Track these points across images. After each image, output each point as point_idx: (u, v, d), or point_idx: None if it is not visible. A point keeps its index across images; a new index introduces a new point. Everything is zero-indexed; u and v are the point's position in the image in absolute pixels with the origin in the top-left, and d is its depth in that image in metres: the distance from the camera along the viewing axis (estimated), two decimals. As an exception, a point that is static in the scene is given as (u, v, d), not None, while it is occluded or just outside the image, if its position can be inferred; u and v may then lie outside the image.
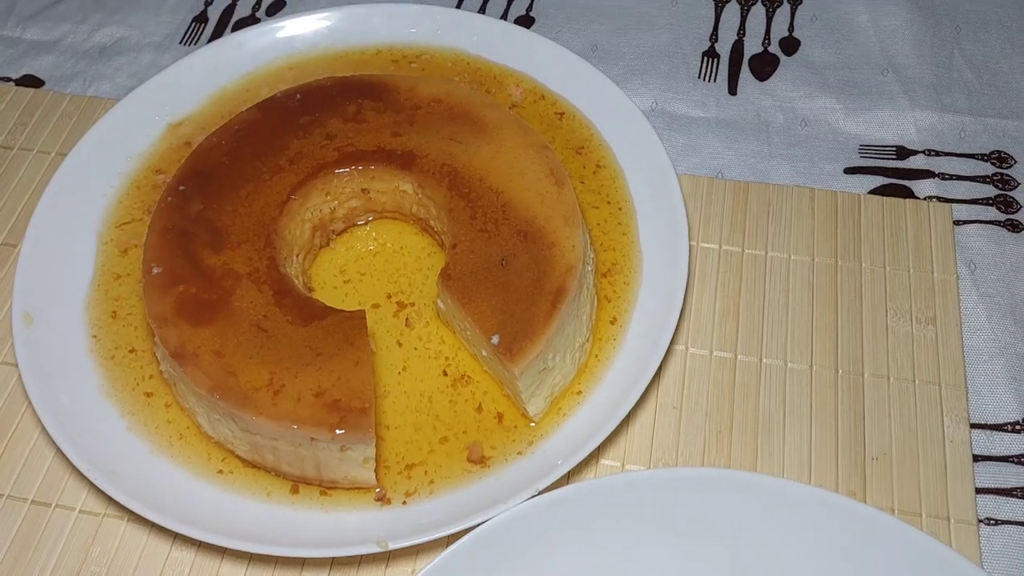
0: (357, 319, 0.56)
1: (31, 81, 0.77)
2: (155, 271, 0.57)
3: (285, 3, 0.83)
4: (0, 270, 0.67)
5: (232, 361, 0.54)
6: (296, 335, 0.55)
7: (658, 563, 0.53)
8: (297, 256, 0.63)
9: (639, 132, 0.69)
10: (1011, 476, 0.57)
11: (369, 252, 0.66)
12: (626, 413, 0.56)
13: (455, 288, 0.58)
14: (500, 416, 0.58)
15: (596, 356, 0.60)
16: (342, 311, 0.57)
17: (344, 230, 0.67)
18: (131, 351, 0.60)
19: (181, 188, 0.61)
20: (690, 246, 0.67)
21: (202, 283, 0.57)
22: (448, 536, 0.52)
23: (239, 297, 0.57)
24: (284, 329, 0.56)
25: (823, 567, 0.52)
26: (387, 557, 0.55)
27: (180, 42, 0.80)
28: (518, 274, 0.58)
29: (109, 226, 0.66)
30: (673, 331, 0.59)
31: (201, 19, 0.82)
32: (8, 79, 0.78)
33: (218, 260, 0.58)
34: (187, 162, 0.63)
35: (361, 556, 0.54)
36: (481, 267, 0.59)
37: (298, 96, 0.66)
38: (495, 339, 0.56)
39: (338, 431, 0.52)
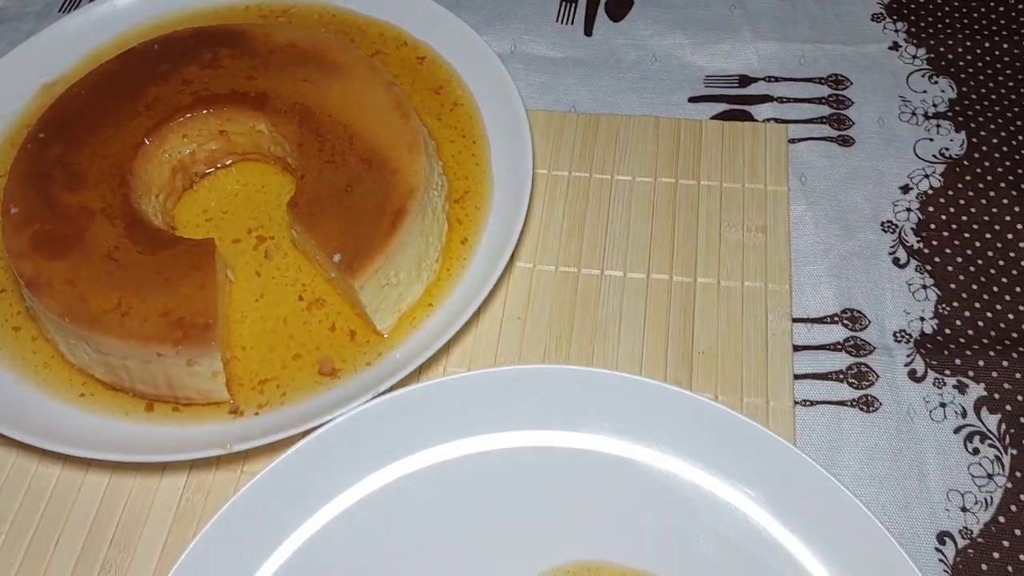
0: (206, 246, 0.60)
1: (-87, 53, 0.80)
2: (13, 211, 0.60)
3: (162, -30, 0.86)
4: None
5: (83, 289, 0.57)
6: (146, 263, 0.59)
7: (496, 456, 0.57)
8: (157, 197, 0.66)
9: (493, 72, 0.72)
10: (827, 362, 0.61)
11: (231, 192, 0.69)
12: (467, 318, 0.60)
13: (301, 214, 0.61)
14: (352, 333, 0.62)
15: (446, 274, 0.64)
16: (191, 240, 0.61)
17: (208, 173, 0.70)
18: (1, 291, 0.64)
19: (40, 135, 0.64)
20: (540, 174, 0.71)
21: (57, 221, 0.60)
22: (298, 437, 0.55)
23: (92, 232, 0.60)
24: (134, 258, 0.59)
25: (648, 450, 0.56)
26: (243, 461, 0.58)
27: (59, 10, 0.83)
28: (362, 198, 0.62)
29: (-22, 179, 0.69)
30: (513, 247, 0.63)
31: (81, -12, 0.85)
32: None
33: (74, 199, 0.61)
34: (47, 111, 0.66)
35: (218, 461, 0.58)
36: (327, 194, 0.62)
37: (156, 46, 0.69)
38: (337, 257, 0.59)
39: (181, 346, 0.55)
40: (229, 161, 0.70)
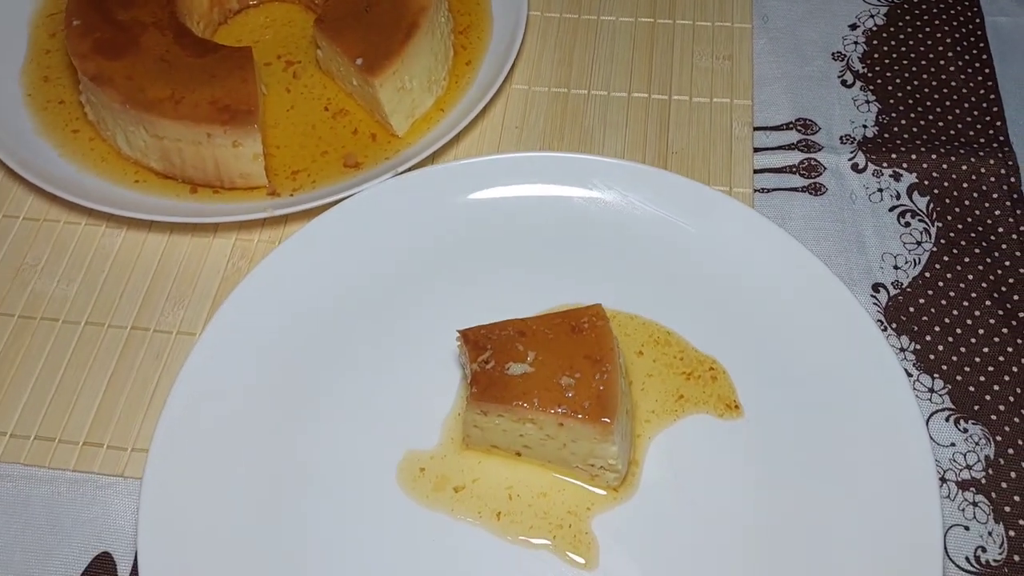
0: (244, 51, 0.69)
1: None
2: (75, 23, 0.69)
3: None
4: (-55, 58, 0.78)
5: (141, 83, 0.66)
6: (194, 64, 0.68)
7: (498, 220, 0.66)
8: (198, 24, 0.75)
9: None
10: (780, 159, 0.71)
11: (260, 26, 0.78)
12: (472, 117, 0.69)
13: (327, 28, 0.70)
14: (373, 136, 0.71)
15: (453, 88, 0.73)
16: (232, 46, 0.69)
17: (239, 11, 0.79)
18: (60, 103, 0.72)
19: (95, -35, 0.73)
20: (534, 15, 0.80)
21: (114, 30, 0.69)
22: (324, 208, 0.65)
23: (146, 39, 0.69)
24: (184, 60, 0.68)
25: (631, 219, 0.65)
26: (280, 234, 0.67)
27: None
28: (379, 16, 0.71)
29: (38, 17, 0.77)
30: (509, 68, 0.72)
31: None
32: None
33: (127, 15, 0.70)
34: (99, -54, 0.75)
35: (259, 230, 0.67)
36: (349, 13, 0.71)
37: None
38: (359, 61, 0.68)
39: (228, 127, 0.64)
40: (258, 1, 0.79)
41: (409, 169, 0.66)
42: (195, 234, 0.67)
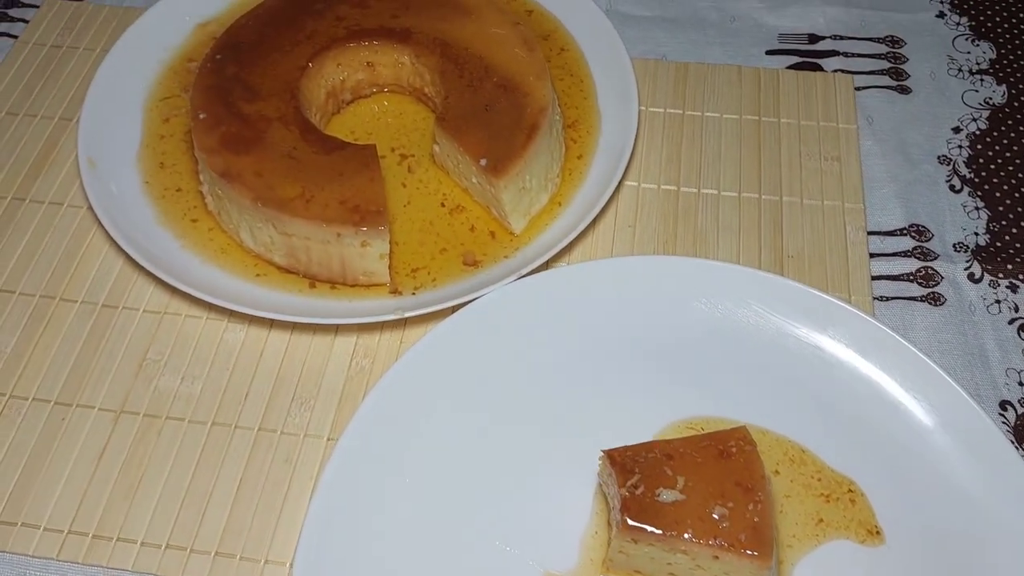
0: (370, 149, 0.69)
1: (72, -3, 0.90)
2: (201, 116, 0.70)
3: (288, -68, 0.96)
4: (60, 138, 0.78)
5: (270, 180, 0.67)
6: (321, 161, 0.68)
7: (617, 329, 0.66)
8: (315, 115, 0.75)
9: (596, 22, 0.83)
10: (897, 267, 0.71)
11: (374, 117, 0.79)
12: (588, 223, 0.70)
13: (449, 127, 0.71)
14: (492, 234, 0.71)
15: (567, 184, 0.74)
16: (357, 144, 0.70)
17: (352, 101, 0.79)
18: (178, 190, 0.73)
19: (218, 57, 0.73)
20: (640, 110, 0.81)
21: (241, 124, 0.70)
22: (450, 311, 0.65)
23: (272, 134, 0.69)
24: (311, 157, 0.68)
25: (751, 326, 0.65)
26: (402, 331, 0.67)
27: (200, -37, 0.93)
28: (500, 115, 0.71)
29: (152, 101, 0.78)
30: (625, 166, 0.73)
31: (216, -55, 0.95)
32: (51, -5, 0.90)
33: (252, 108, 0.71)
34: (220, 38, 0.75)
35: (382, 329, 0.67)
36: (469, 111, 0.72)
37: (311, -13, 0.79)
38: (483, 161, 0.69)
39: (360, 227, 0.65)
40: (370, 92, 0.79)
41: (530, 272, 0.67)
42: (318, 332, 0.67)
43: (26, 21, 0.87)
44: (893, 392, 0.62)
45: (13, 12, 0.88)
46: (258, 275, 0.69)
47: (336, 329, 0.67)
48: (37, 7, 0.88)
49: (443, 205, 0.73)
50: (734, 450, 0.55)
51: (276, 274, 0.69)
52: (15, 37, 0.86)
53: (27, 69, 0.83)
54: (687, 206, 0.75)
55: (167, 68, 0.80)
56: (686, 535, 0.51)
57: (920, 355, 0.62)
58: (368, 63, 0.77)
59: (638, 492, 0.53)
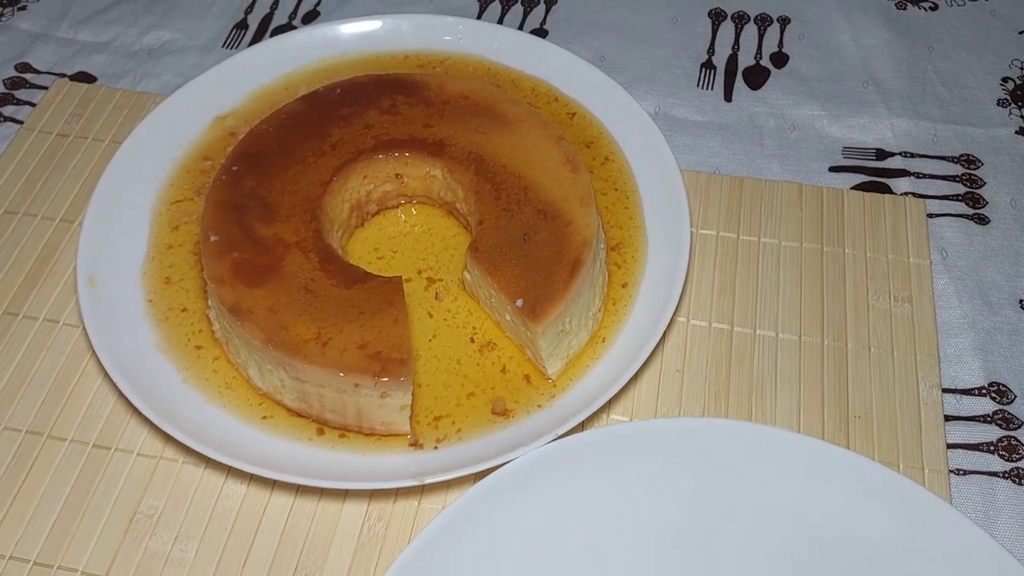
0: (395, 283, 0.63)
1: (84, 78, 0.84)
2: (212, 239, 0.63)
3: (319, 12, 0.90)
4: (60, 243, 0.73)
5: (284, 317, 0.60)
6: (340, 296, 0.62)
7: (661, 506, 0.59)
8: (337, 232, 0.69)
9: (643, 129, 0.76)
10: (977, 433, 0.64)
11: (400, 232, 0.72)
12: (634, 372, 0.62)
13: (483, 259, 0.64)
14: (526, 377, 0.64)
15: (610, 319, 0.67)
16: (381, 276, 0.63)
17: (378, 212, 0.73)
18: (183, 310, 0.66)
19: (234, 168, 0.67)
20: (690, 232, 0.74)
21: (255, 250, 0.63)
22: (475, 475, 0.58)
23: (289, 263, 0.63)
24: (329, 291, 0.62)
25: (810, 509, 0.58)
26: (420, 493, 0.60)
27: (222, 46, 0.87)
28: (539, 247, 0.65)
29: (161, 204, 0.72)
30: (676, 302, 0.65)
31: (241, 26, 0.89)
32: (63, 75, 0.84)
33: (269, 231, 0.64)
34: (239, 145, 0.69)
35: (397, 491, 0.60)
36: (505, 241, 0.65)
37: (339, 90, 0.73)
38: (519, 303, 0.62)
39: (381, 379, 0.58)
40: (397, 203, 0.73)
41: (568, 432, 0.60)
42: (327, 490, 0.60)
43: (33, 104, 0.82)
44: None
45: (19, 94, 0.83)
46: (265, 418, 0.62)
47: (347, 490, 0.61)
48: (45, 88, 0.83)
49: (473, 340, 0.66)
50: None
51: (285, 417, 0.62)
52: (20, 123, 0.80)
53: (30, 161, 0.77)
54: (741, 349, 0.68)
55: (180, 167, 0.74)
56: None
57: (1008, 555, 0.54)
58: (397, 175, 0.71)
59: None
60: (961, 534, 0.55)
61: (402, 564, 0.54)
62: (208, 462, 0.61)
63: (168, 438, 0.62)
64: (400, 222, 0.73)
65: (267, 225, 0.65)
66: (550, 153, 0.70)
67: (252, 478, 0.61)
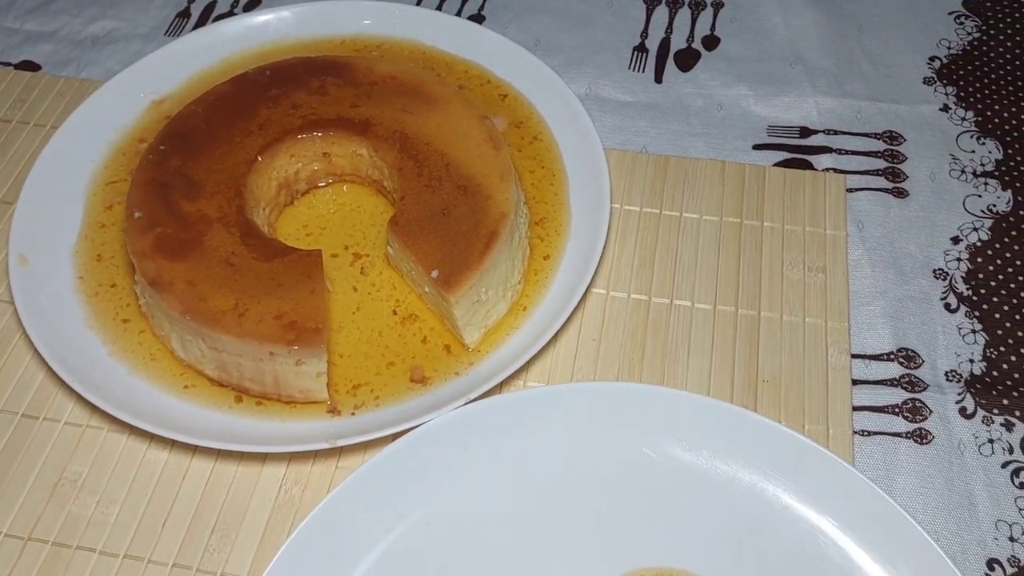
0: (314, 257, 0.65)
1: (29, 66, 0.86)
2: (136, 215, 0.65)
3: (260, 1, 0.92)
4: (-2, 224, 0.75)
5: (203, 289, 0.62)
6: (260, 269, 0.64)
7: (570, 467, 0.61)
8: (264, 210, 0.71)
9: (571, 109, 0.78)
10: (883, 396, 0.66)
11: (329, 210, 0.74)
12: (549, 338, 0.64)
13: (402, 232, 0.66)
14: (447, 347, 0.66)
15: (530, 290, 0.69)
16: (301, 250, 0.65)
17: (307, 191, 0.75)
18: (112, 286, 0.68)
19: (161, 148, 0.69)
20: (614, 208, 0.76)
21: (178, 226, 0.65)
22: (390, 437, 0.60)
23: (211, 238, 0.65)
24: (250, 264, 0.64)
25: (712, 469, 0.60)
26: (337, 457, 0.62)
27: (165, 33, 0.89)
28: (457, 221, 0.67)
29: (96, 185, 0.74)
30: (594, 272, 0.68)
31: (184, 14, 0.91)
32: (8, 64, 0.86)
33: (193, 207, 0.66)
34: (167, 126, 0.71)
35: (315, 456, 0.62)
36: (425, 215, 0.67)
37: (268, 72, 0.74)
38: (435, 273, 0.64)
39: (294, 346, 0.60)
40: (327, 182, 0.75)
41: (481, 396, 0.62)
42: (246, 455, 0.62)
43: (-22, 92, 0.84)
44: (866, 551, 0.56)
45: (-35, 82, 0.85)
46: (187, 387, 0.64)
47: (266, 454, 0.62)
48: (-10, 77, 0.85)
49: (395, 313, 0.68)
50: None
51: (206, 386, 0.64)
52: (-35, 110, 0.83)
53: (-27, 146, 0.80)
54: (657, 319, 0.70)
55: (116, 150, 0.76)
56: None
57: (900, 511, 0.55)
58: (324, 153, 0.73)
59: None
60: (859, 493, 0.57)
61: (314, 520, 0.56)
62: (131, 430, 0.63)
63: (94, 408, 0.64)
64: (329, 200, 0.75)
65: (191, 202, 0.66)
66: (473, 131, 0.72)
67: (173, 445, 0.62)
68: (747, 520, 0.58)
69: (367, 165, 0.73)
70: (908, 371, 0.67)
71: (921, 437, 0.64)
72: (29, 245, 0.69)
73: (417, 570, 0.56)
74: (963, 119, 0.83)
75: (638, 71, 0.87)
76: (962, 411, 0.65)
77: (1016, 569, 0.58)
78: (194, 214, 0.66)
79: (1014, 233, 0.75)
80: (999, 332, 0.69)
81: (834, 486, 0.58)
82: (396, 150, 0.70)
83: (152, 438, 0.63)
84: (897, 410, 0.65)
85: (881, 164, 0.79)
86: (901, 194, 0.77)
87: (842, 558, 0.56)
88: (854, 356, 0.68)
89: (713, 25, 0.91)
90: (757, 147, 0.81)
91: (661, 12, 0.92)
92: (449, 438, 0.60)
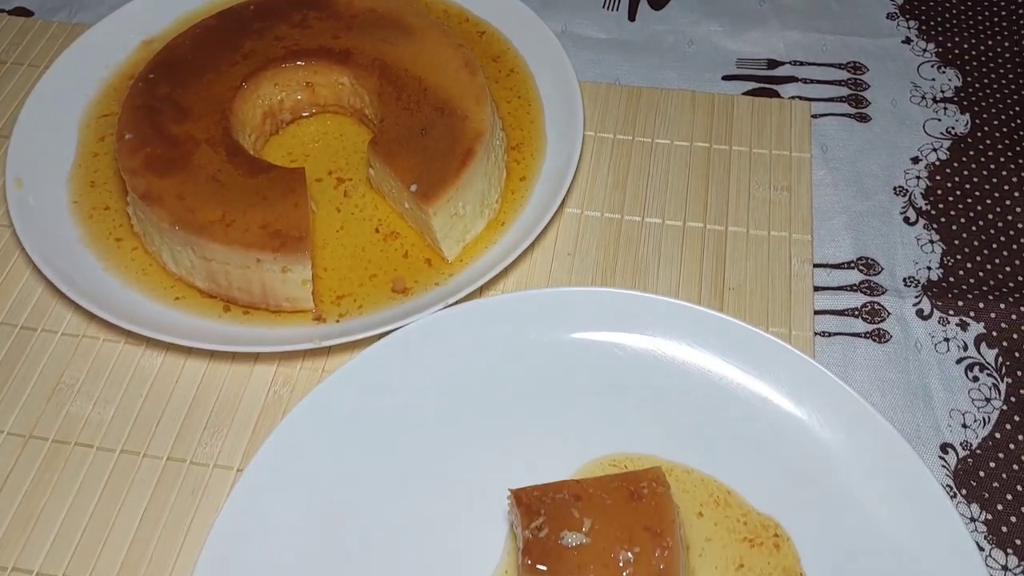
0: (298, 173, 0.68)
1: (22, 12, 0.89)
2: (127, 136, 0.68)
3: (246, -50, 0.95)
4: (-6, 159, 0.78)
5: (191, 203, 0.65)
6: (245, 184, 0.66)
7: (543, 363, 0.64)
8: (249, 137, 0.74)
9: (546, 44, 0.81)
10: (843, 301, 0.69)
11: (312, 139, 0.77)
12: (526, 247, 0.68)
13: (381, 152, 0.69)
14: (423, 260, 0.69)
15: (507, 208, 0.72)
16: (285, 167, 0.68)
17: (291, 121, 0.78)
18: (105, 209, 0.71)
19: (150, 76, 0.72)
20: (588, 135, 0.79)
21: (166, 146, 0.68)
22: (375, 339, 0.63)
23: (198, 156, 0.68)
24: (235, 180, 0.67)
25: (682, 364, 0.63)
26: (325, 360, 0.65)
27: (154, -19, 0.92)
28: (435, 140, 0.70)
29: (89, 118, 0.77)
30: (567, 188, 0.71)
31: (173, -37, 0.94)
32: (1, 10, 0.89)
33: (180, 129, 0.69)
34: (156, 57, 0.74)
35: (303, 358, 0.65)
36: (404, 135, 0.70)
37: (252, 7, 0.77)
38: (413, 187, 0.67)
39: (278, 253, 0.63)
40: (310, 112, 0.78)
41: (460, 300, 0.65)
42: (237, 359, 0.65)
43: (-28, 37, 0.87)
44: (825, 434, 0.59)
45: (-40, 28, 0.88)
46: (177, 298, 0.67)
47: (255, 357, 0.65)
48: (-16, 22, 0.88)
49: (377, 231, 0.71)
50: (646, 492, 0.52)
51: (196, 298, 0.67)
52: (-41, 54, 0.85)
53: (-32, 86, 0.82)
54: (629, 235, 0.73)
55: (107, 86, 0.79)
56: (586, 583, 0.49)
57: (856, 396, 0.59)
58: (307, 83, 0.76)
59: (541, 535, 0.51)
60: (818, 382, 0.60)
61: (300, 411, 0.59)
62: (126, 338, 0.66)
63: (90, 319, 0.67)
64: (313, 130, 0.78)
65: (179, 124, 0.69)
66: (449, 58, 0.75)
67: (167, 351, 0.65)
68: (714, 409, 0.61)
69: (349, 94, 0.76)
70: (868, 277, 0.70)
71: (879, 337, 0.67)
72: (25, 171, 0.71)
73: (397, 459, 0.59)
74: (924, 50, 0.86)
75: (612, 9, 0.90)
76: (919, 313, 0.68)
77: (968, 452, 0.62)
78: (182, 136, 0.69)
79: (972, 153, 0.78)
80: (956, 242, 0.72)
81: (794, 376, 0.61)
82: (376, 77, 0.73)
83: (146, 345, 0.66)
84: (856, 313, 0.68)
85: (844, 92, 0.82)
86: (864, 119, 0.80)
87: (803, 441, 0.59)
88: (816, 265, 0.71)
89: (685, -33, 0.94)
90: (726, 78, 0.84)
91: (635, -44, 0.95)
92: (429, 338, 0.63)
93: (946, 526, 0.55)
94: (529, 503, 0.52)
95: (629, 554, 0.50)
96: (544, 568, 0.49)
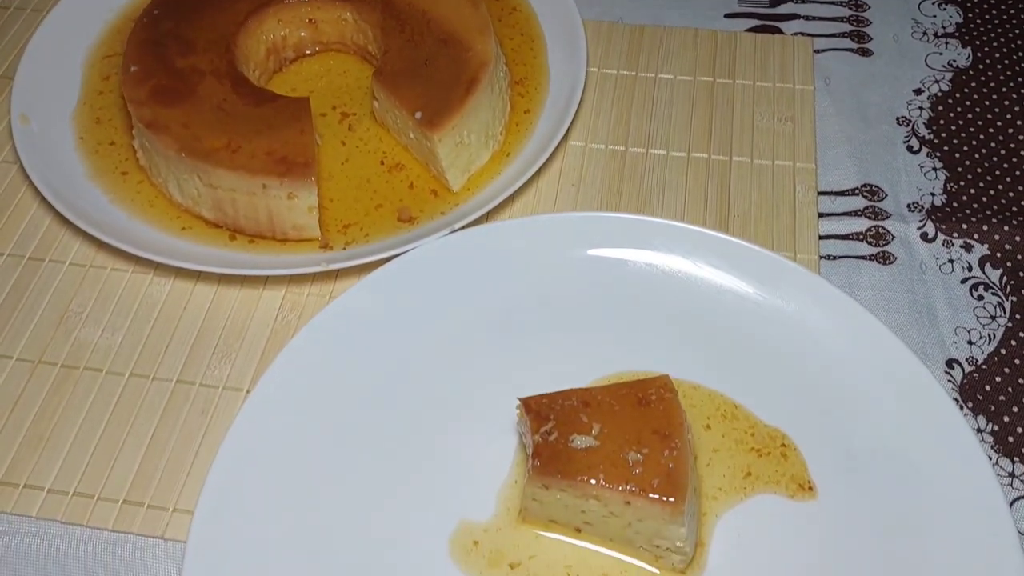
0: (302, 102, 0.68)
1: (24, -38, 0.89)
2: (132, 69, 0.68)
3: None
4: (-1, 97, 0.78)
5: (197, 131, 0.65)
6: (251, 113, 0.67)
7: (551, 284, 0.64)
8: (254, 72, 0.74)
9: (548, -17, 0.81)
10: (848, 225, 0.69)
11: (316, 76, 0.77)
12: (530, 176, 0.68)
13: (386, 81, 0.69)
14: (428, 190, 0.70)
15: (511, 141, 0.72)
16: (289, 97, 0.68)
17: (295, 59, 0.78)
18: (111, 144, 0.72)
19: (155, 12, 0.72)
20: (592, 71, 0.79)
21: (172, 78, 0.68)
22: (381, 263, 0.63)
23: (203, 87, 0.68)
24: (240, 109, 0.67)
25: (693, 281, 0.63)
26: (332, 286, 0.66)
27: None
28: (439, 70, 0.70)
29: (93, 59, 0.77)
30: (572, 119, 0.71)
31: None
32: (3, -42, 0.89)
33: (186, 62, 0.69)
34: (160, -7, 0.74)
35: (311, 283, 0.65)
36: (408, 66, 0.70)
37: (255, -54, 0.78)
38: (418, 115, 0.67)
39: (284, 178, 0.63)
40: (314, 51, 0.78)
41: (465, 226, 0.65)
42: (244, 285, 0.65)
43: (-25, -17, 0.87)
44: (833, 347, 0.59)
45: (-38, -26, 0.88)
46: (184, 228, 0.67)
47: (264, 283, 0.65)
48: (-11, -28, 0.88)
49: (382, 163, 0.71)
50: (653, 398, 0.52)
51: (202, 228, 0.67)
52: (-37, 0, 0.85)
53: (-29, 28, 0.82)
54: (634, 166, 0.73)
55: (111, 27, 0.79)
56: (596, 480, 0.49)
57: (862, 309, 0.59)
58: (310, 20, 0.76)
59: (551, 438, 0.51)
60: (822, 294, 0.61)
61: (308, 331, 0.59)
62: (134, 266, 0.66)
63: (97, 249, 0.67)
64: (317, 67, 0.78)
65: (184, 58, 0.69)
66: (452, -8, 0.75)
67: (176, 277, 0.66)
68: (721, 326, 0.61)
69: (352, 30, 0.76)
70: (872, 203, 0.70)
71: (884, 259, 0.67)
72: (30, 108, 0.72)
73: (405, 379, 0.60)
74: (926, -12, 0.86)
75: (613, -47, 0.90)
76: (923, 236, 0.68)
77: (973, 367, 0.62)
78: (187, 68, 0.69)
79: (974, 84, 0.78)
80: (959, 169, 0.72)
81: (801, 292, 0.61)
82: (378, 11, 0.73)
83: (154, 273, 0.66)
84: (861, 237, 0.68)
85: (847, 28, 0.82)
86: (866, 53, 0.81)
87: (810, 355, 0.59)
88: (820, 193, 0.71)
89: (686, -88, 0.94)
90: (729, 16, 0.84)
91: (635, -99, 0.95)
92: (437, 260, 0.63)
93: (956, 437, 0.55)
94: (538, 410, 0.52)
95: (638, 455, 0.50)
96: (555, 469, 0.50)
